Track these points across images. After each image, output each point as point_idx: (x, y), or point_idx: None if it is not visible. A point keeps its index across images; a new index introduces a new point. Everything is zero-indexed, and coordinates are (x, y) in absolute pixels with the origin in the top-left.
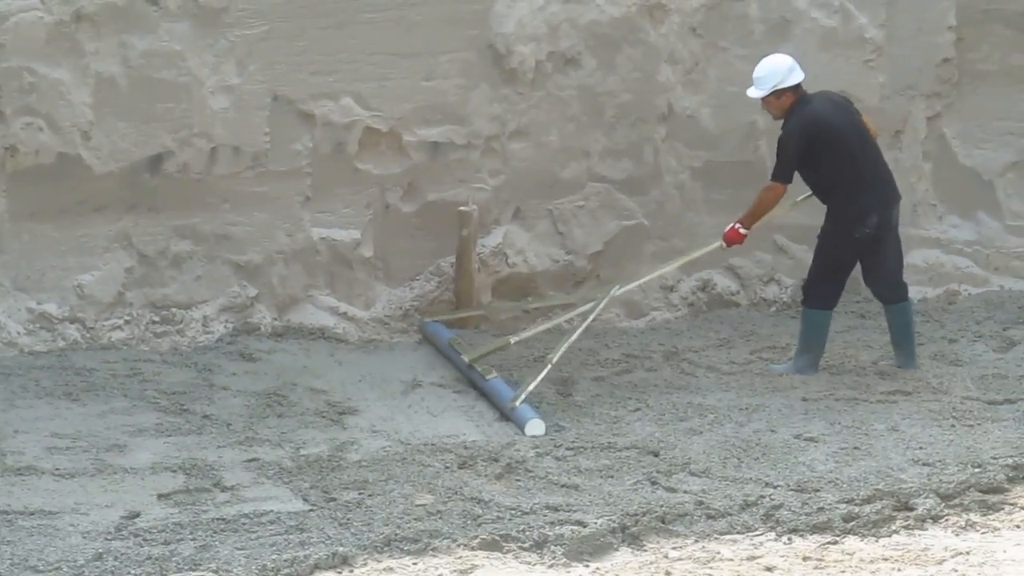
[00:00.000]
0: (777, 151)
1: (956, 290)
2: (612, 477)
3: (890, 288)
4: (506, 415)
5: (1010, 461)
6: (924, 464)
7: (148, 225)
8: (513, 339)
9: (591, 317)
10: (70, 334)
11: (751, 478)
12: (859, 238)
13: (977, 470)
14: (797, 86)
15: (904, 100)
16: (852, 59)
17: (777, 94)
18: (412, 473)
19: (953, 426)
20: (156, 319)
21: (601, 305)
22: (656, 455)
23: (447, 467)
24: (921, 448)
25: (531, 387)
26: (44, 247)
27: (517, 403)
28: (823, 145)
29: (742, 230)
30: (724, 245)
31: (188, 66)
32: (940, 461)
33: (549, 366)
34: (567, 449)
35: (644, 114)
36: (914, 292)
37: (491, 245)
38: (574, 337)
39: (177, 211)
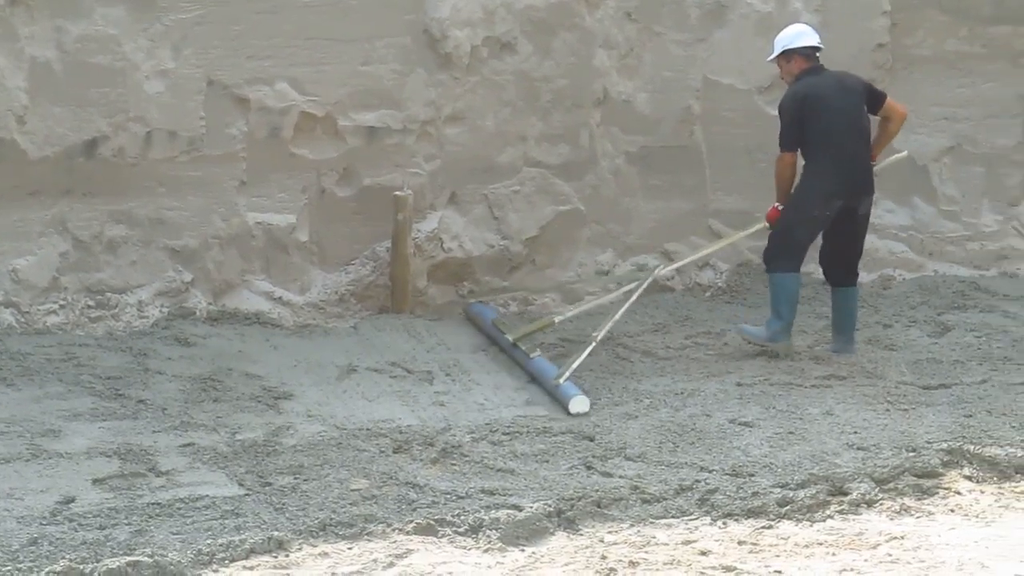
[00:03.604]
0: (780, 121)
1: (891, 275)
2: (548, 462)
3: (843, 271)
4: (550, 393)
5: (944, 446)
6: (859, 449)
7: (83, 210)
8: (557, 318)
9: (635, 296)
10: (4, 319)
11: (686, 463)
12: (818, 217)
13: (912, 454)
14: (808, 56)
15: None
16: None
17: (786, 57)
18: (347, 458)
19: (888, 411)
20: (91, 304)
21: (645, 284)
22: (591, 440)
23: (382, 452)
24: (856, 433)
25: (576, 364)
26: None
27: (562, 380)
28: (807, 117)
29: (781, 207)
30: (768, 225)
31: (123, 51)
32: (875, 446)
33: (594, 343)
34: (503, 434)
35: (580, 99)
36: None
37: (427, 230)
38: (618, 315)
39: (112, 196)
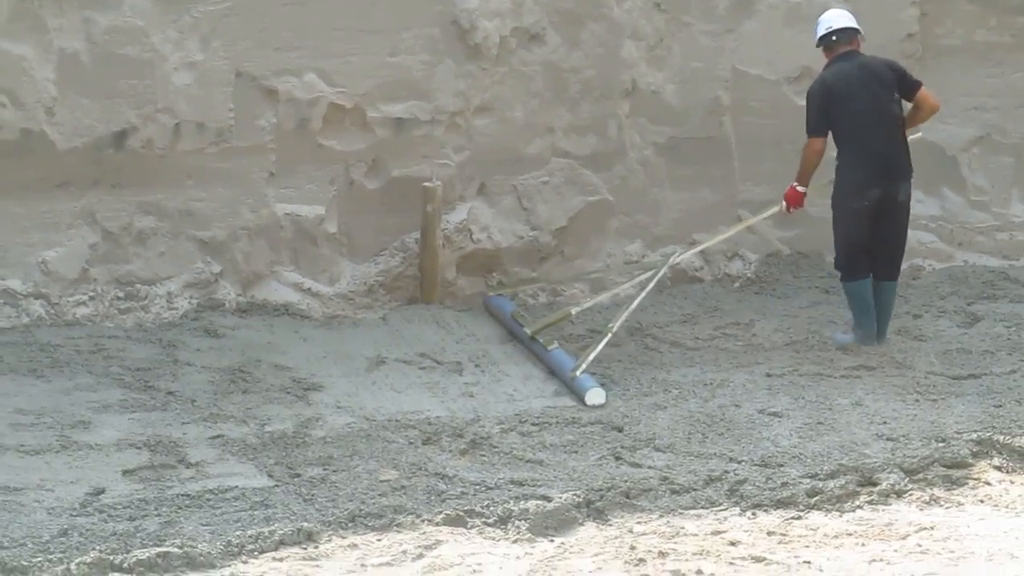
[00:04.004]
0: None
1: (920, 265)
2: (577, 452)
3: (885, 264)
4: (567, 385)
5: (974, 436)
6: (888, 439)
7: (112, 201)
8: (574, 310)
9: (650, 285)
10: (34, 310)
11: (715, 453)
12: (857, 209)
13: (941, 445)
14: (845, 42)
15: None
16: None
17: (822, 43)
18: (376, 449)
19: (917, 401)
20: (120, 295)
21: (660, 273)
22: (620, 430)
23: (411, 443)
24: (885, 423)
25: (592, 356)
26: (8, 223)
27: (578, 373)
28: (832, 106)
29: (799, 188)
30: (785, 206)
31: (152, 42)
32: (904, 436)
33: (610, 335)
34: (532, 424)
35: (608, 90)
36: None
37: (455, 221)
38: (634, 306)
39: (141, 187)
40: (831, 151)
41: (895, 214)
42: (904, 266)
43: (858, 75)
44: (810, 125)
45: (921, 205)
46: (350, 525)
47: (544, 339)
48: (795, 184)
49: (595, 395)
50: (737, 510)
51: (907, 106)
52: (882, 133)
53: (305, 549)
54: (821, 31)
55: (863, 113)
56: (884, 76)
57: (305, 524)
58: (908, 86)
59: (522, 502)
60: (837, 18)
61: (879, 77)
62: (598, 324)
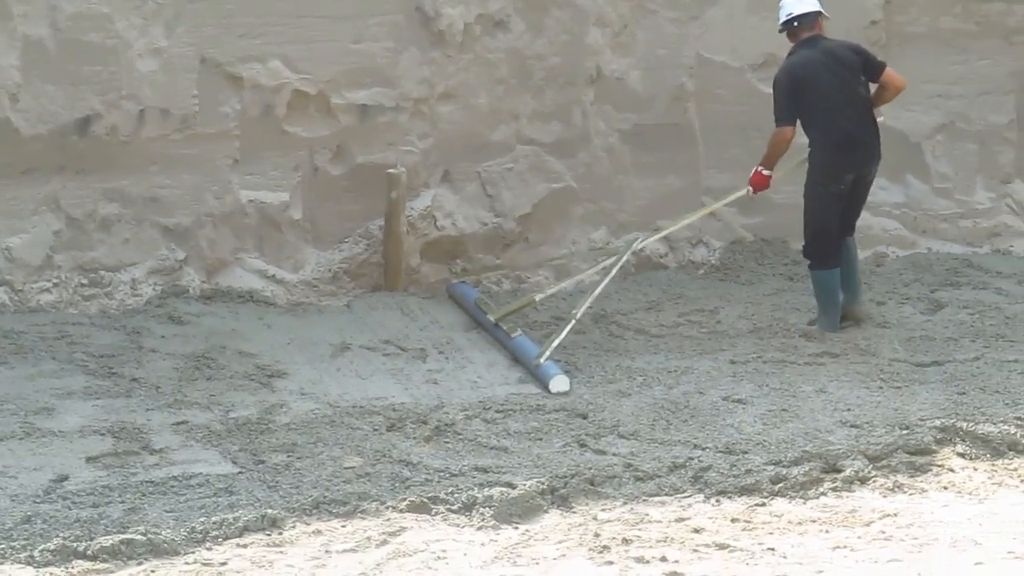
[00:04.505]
0: (773, 96)
1: (884, 252)
2: (541, 440)
3: (841, 224)
4: (531, 372)
5: (937, 423)
6: (852, 426)
7: (76, 188)
8: (538, 297)
9: (614, 271)
10: None
11: (679, 440)
12: (834, 192)
13: (905, 432)
14: (808, 27)
15: None
16: None
17: (786, 27)
18: (341, 436)
19: (881, 388)
20: (84, 282)
21: (624, 259)
22: (585, 417)
23: (375, 430)
24: (849, 410)
25: (556, 343)
26: None
27: (542, 360)
28: (801, 93)
29: (765, 171)
30: (751, 190)
31: (116, 28)
32: (868, 423)
33: (574, 322)
34: (496, 412)
35: (573, 77)
36: None
37: (420, 208)
38: (598, 292)
39: (105, 174)
40: (799, 137)
41: (863, 190)
42: (868, 253)
43: (823, 61)
44: (779, 114)
45: (885, 192)
46: (314, 512)
47: (508, 326)
48: (760, 168)
49: (559, 382)
50: (701, 497)
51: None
52: (853, 117)
53: (269, 536)
54: (783, 16)
55: (832, 98)
56: (849, 60)
57: (269, 511)
58: (873, 68)
59: (486, 489)
60: (797, 3)
61: (844, 61)
62: (562, 311)
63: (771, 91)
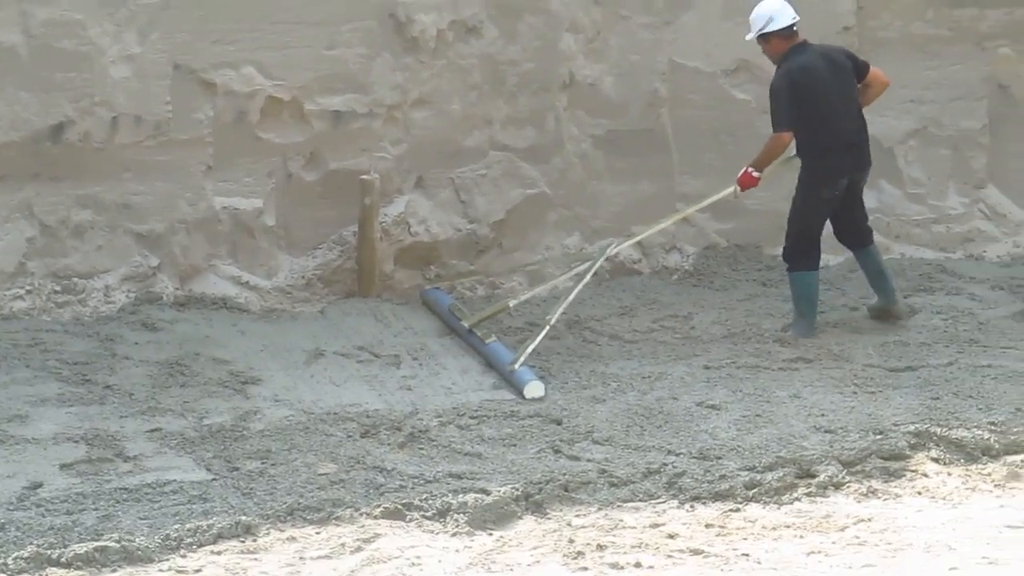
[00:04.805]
0: (770, 101)
1: None
2: (515, 446)
3: (857, 234)
4: (506, 378)
5: (911, 428)
6: (826, 431)
7: (49, 195)
8: (512, 303)
9: (587, 277)
10: None
11: (654, 446)
12: (827, 199)
13: (879, 437)
14: (790, 34)
15: None
16: None
17: (765, 38)
18: (315, 442)
19: (855, 393)
20: (58, 289)
21: (597, 264)
22: (559, 423)
23: (350, 436)
24: (823, 415)
25: (530, 349)
26: None
27: (516, 366)
28: (803, 98)
29: (755, 173)
30: (738, 190)
31: (89, 35)
32: (842, 428)
33: (548, 327)
34: (470, 418)
35: (546, 83)
36: None
37: (393, 214)
38: (572, 298)
39: (78, 180)
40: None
41: (856, 195)
42: (841, 259)
43: (824, 66)
44: (779, 119)
45: None
46: (288, 518)
47: (482, 332)
48: (751, 168)
49: (534, 388)
50: (675, 503)
51: None
52: (851, 122)
53: (243, 542)
54: (779, 22)
55: (833, 103)
56: (845, 65)
57: (243, 517)
58: (860, 69)
59: (461, 495)
60: (781, 12)
61: (841, 66)
62: (536, 317)
63: (745, 97)
